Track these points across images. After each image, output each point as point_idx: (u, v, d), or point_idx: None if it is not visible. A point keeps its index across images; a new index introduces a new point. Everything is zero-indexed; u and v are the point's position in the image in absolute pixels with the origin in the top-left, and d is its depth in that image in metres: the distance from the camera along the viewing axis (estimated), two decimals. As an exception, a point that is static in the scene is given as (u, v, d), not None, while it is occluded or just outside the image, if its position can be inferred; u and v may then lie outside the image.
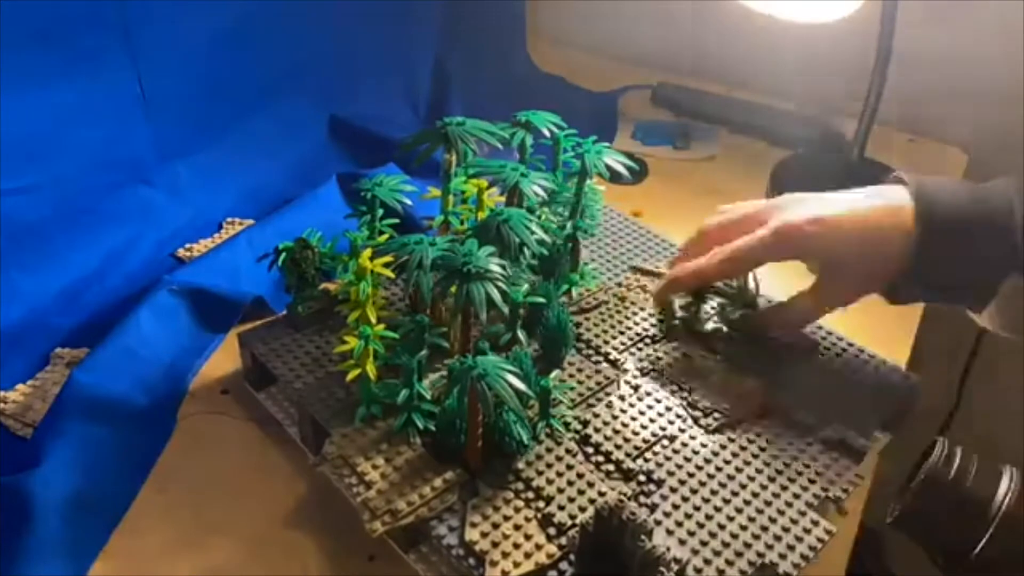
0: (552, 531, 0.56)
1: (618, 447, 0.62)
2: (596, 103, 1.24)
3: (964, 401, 1.20)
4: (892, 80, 0.96)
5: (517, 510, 0.57)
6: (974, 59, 1.07)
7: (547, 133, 0.73)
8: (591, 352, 0.71)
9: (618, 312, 0.75)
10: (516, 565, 0.53)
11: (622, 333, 0.73)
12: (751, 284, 0.75)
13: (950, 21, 1.08)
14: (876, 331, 0.77)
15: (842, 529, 0.60)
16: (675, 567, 0.53)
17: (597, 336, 0.72)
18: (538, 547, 0.54)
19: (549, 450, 0.61)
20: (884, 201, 0.66)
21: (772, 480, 0.61)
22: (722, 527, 0.57)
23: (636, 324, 0.74)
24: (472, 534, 0.55)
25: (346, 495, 0.58)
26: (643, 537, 0.51)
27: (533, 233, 0.64)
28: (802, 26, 0.95)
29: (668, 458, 0.62)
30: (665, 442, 0.63)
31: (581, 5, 1.36)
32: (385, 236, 0.72)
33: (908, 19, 0.94)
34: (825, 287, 0.69)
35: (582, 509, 0.57)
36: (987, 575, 0.57)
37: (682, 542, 0.56)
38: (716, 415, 0.65)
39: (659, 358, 0.70)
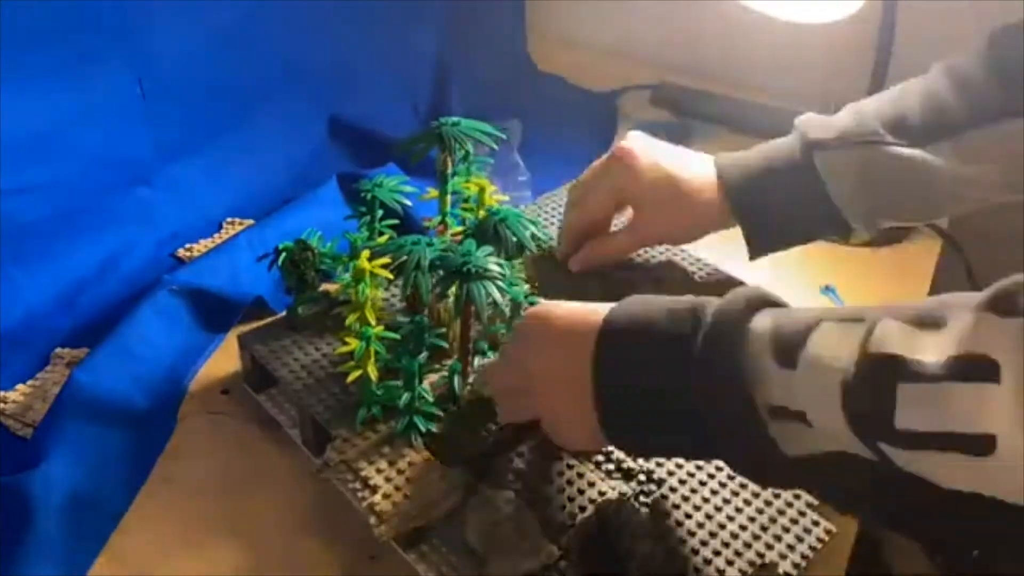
0: (552, 531, 0.55)
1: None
2: (596, 103, 1.24)
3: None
4: (892, 80, 0.96)
5: (518, 510, 0.57)
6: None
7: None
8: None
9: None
10: (516, 565, 0.53)
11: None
12: None
13: (950, 21, 1.08)
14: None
15: (842, 529, 0.60)
16: (675, 567, 0.53)
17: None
18: (539, 547, 0.54)
19: (550, 450, 0.61)
20: (700, 166, 0.75)
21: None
22: (722, 527, 0.57)
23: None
24: (473, 534, 0.55)
25: (351, 500, 0.58)
26: (643, 539, 0.51)
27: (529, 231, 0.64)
28: (802, 26, 0.95)
29: (668, 458, 0.61)
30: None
31: (581, 5, 1.36)
32: (385, 237, 0.72)
33: (908, 19, 0.94)
34: (636, 220, 0.76)
35: (582, 509, 0.57)
36: (987, 575, 0.57)
37: (683, 542, 0.56)
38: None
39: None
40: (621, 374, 0.52)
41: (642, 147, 0.74)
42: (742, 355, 0.47)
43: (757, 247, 0.75)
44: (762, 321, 0.48)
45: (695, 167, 0.74)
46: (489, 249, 0.61)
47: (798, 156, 0.71)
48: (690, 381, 0.48)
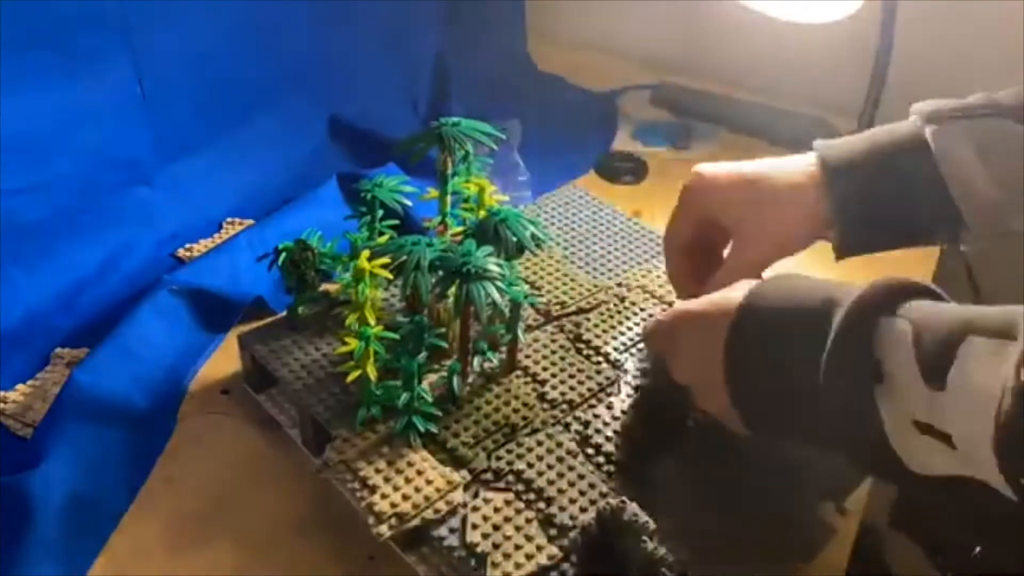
0: (553, 532, 0.56)
1: (619, 447, 0.62)
2: (596, 103, 1.24)
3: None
4: (892, 80, 0.96)
5: (518, 511, 0.57)
6: (974, 59, 1.07)
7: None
8: (591, 352, 0.71)
9: (618, 312, 0.75)
10: (517, 566, 0.53)
11: (622, 334, 0.73)
12: None
13: (950, 21, 1.08)
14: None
15: (842, 529, 0.60)
16: (676, 568, 0.53)
17: (597, 337, 0.72)
18: (539, 548, 0.55)
19: (550, 451, 0.61)
20: (790, 162, 0.66)
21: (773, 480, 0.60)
22: (723, 526, 0.57)
23: (636, 324, 0.74)
24: (473, 535, 0.55)
25: (350, 500, 0.58)
26: (644, 538, 0.51)
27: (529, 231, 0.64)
28: (802, 26, 0.95)
29: (669, 458, 0.61)
30: (666, 442, 0.63)
31: (581, 5, 1.36)
32: (385, 237, 0.72)
33: (908, 19, 0.94)
34: (736, 247, 0.67)
35: (583, 510, 0.57)
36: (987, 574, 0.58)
37: (683, 542, 0.55)
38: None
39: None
40: (751, 365, 0.53)
41: (716, 165, 0.67)
42: (872, 357, 0.46)
43: (846, 241, 0.65)
44: (901, 324, 0.46)
45: (786, 164, 0.65)
46: (489, 249, 0.61)
47: (908, 132, 0.62)
48: (818, 379, 0.48)
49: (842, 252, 0.65)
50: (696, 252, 0.69)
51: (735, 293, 0.55)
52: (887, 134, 0.63)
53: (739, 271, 0.63)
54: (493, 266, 0.60)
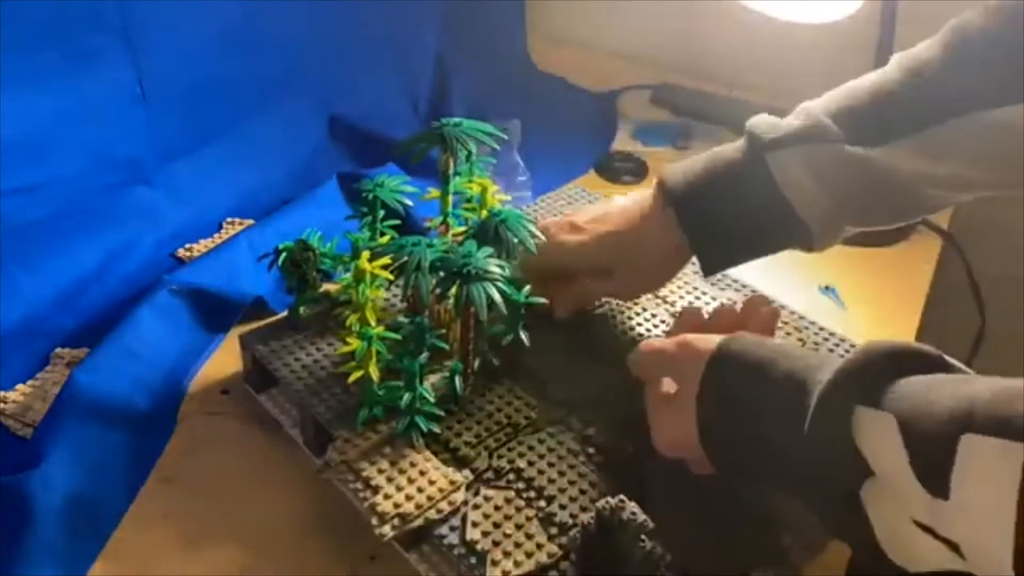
0: (553, 530, 0.56)
1: (619, 447, 0.62)
2: (596, 103, 1.24)
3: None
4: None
5: (518, 509, 0.57)
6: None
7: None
8: (593, 353, 0.70)
9: (620, 313, 0.75)
10: (517, 564, 0.53)
11: (624, 334, 0.73)
12: None
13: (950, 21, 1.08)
14: (876, 330, 0.78)
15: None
16: (675, 567, 0.53)
17: (600, 337, 0.72)
18: (539, 546, 0.54)
19: (551, 450, 0.61)
20: (636, 204, 0.69)
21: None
22: (723, 527, 0.57)
23: (639, 324, 0.74)
24: (473, 533, 0.55)
25: (352, 500, 0.58)
26: (643, 537, 0.51)
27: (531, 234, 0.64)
28: (802, 26, 0.95)
29: (669, 459, 0.61)
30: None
31: (581, 5, 1.36)
32: (387, 237, 0.72)
33: (908, 19, 0.94)
34: (617, 281, 0.71)
35: (583, 509, 0.57)
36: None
37: (683, 542, 0.55)
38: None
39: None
40: (724, 415, 0.53)
41: (564, 222, 0.71)
42: (858, 453, 0.44)
43: (710, 261, 0.68)
44: (884, 419, 0.43)
45: (624, 200, 0.71)
46: (489, 250, 0.61)
47: (746, 157, 0.66)
48: (795, 454, 0.47)
49: (708, 271, 0.69)
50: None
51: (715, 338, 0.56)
52: (722, 159, 0.67)
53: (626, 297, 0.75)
54: (494, 267, 0.60)
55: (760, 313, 0.65)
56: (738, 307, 0.68)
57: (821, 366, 0.48)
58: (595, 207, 0.73)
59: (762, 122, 0.66)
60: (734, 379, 0.53)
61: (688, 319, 0.68)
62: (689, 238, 0.66)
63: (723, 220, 0.66)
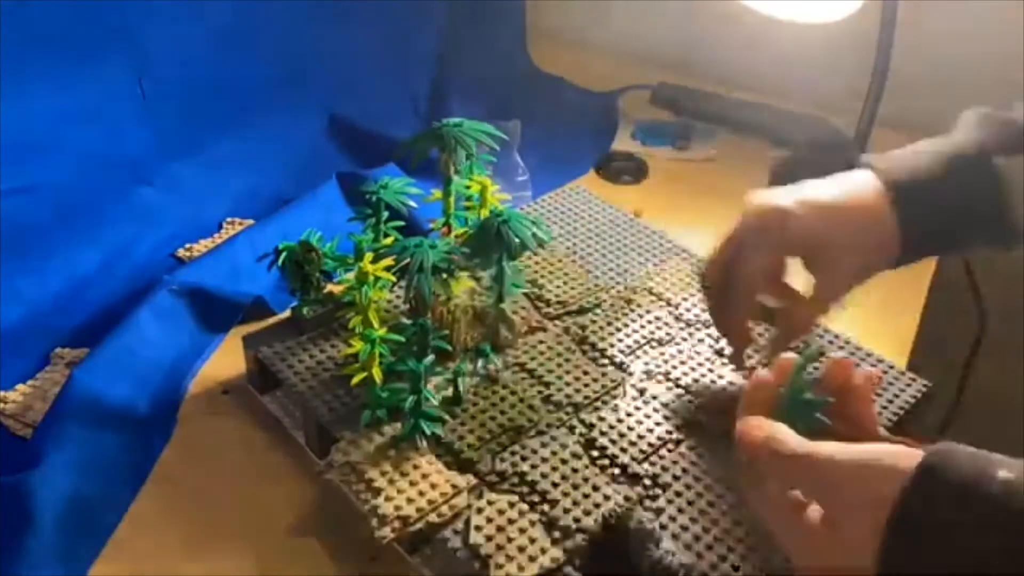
0: (557, 534, 0.55)
1: (623, 450, 0.62)
2: (596, 103, 1.24)
3: (964, 400, 1.21)
4: (892, 80, 0.96)
5: (522, 513, 0.57)
6: (974, 59, 1.07)
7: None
8: (596, 355, 0.70)
9: (624, 315, 0.75)
10: (520, 568, 0.53)
11: (627, 336, 0.73)
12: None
13: (950, 21, 1.08)
14: (876, 330, 0.78)
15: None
16: (681, 573, 0.53)
17: (602, 339, 0.72)
18: (543, 551, 0.54)
19: (554, 453, 0.61)
20: (855, 184, 0.64)
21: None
22: (727, 531, 0.57)
23: (642, 327, 0.74)
24: (477, 537, 0.55)
25: (354, 502, 0.57)
26: (650, 545, 0.50)
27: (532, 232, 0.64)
28: (802, 26, 0.95)
29: (674, 462, 0.62)
30: (671, 446, 0.63)
31: (581, 4, 1.36)
32: (390, 239, 0.72)
33: (908, 19, 0.94)
34: (821, 281, 0.64)
35: (587, 513, 0.57)
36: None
37: (687, 547, 0.55)
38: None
39: (665, 361, 0.70)
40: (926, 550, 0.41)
41: (785, 196, 0.63)
42: None
43: (908, 257, 0.64)
44: None
45: (853, 188, 0.63)
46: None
47: (972, 157, 0.62)
48: None
49: (897, 265, 0.64)
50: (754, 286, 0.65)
51: (898, 450, 0.44)
52: (947, 157, 0.63)
53: (824, 303, 0.64)
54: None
55: (854, 384, 0.52)
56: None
57: None
58: (805, 185, 0.65)
59: (986, 117, 0.64)
60: (941, 505, 0.42)
61: (761, 394, 0.52)
62: (903, 233, 0.62)
63: (938, 219, 0.62)
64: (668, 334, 0.73)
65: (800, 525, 0.46)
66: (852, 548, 0.43)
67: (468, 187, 0.73)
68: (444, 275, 0.60)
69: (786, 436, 0.46)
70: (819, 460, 0.44)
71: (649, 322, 0.74)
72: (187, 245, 0.90)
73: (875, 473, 0.43)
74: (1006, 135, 0.62)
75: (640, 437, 0.63)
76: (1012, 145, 0.61)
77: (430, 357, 0.62)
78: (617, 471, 0.60)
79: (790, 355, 0.52)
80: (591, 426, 0.64)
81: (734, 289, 0.64)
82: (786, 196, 0.63)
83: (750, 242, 0.63)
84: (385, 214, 0.72)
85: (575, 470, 0.60)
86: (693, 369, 0.70)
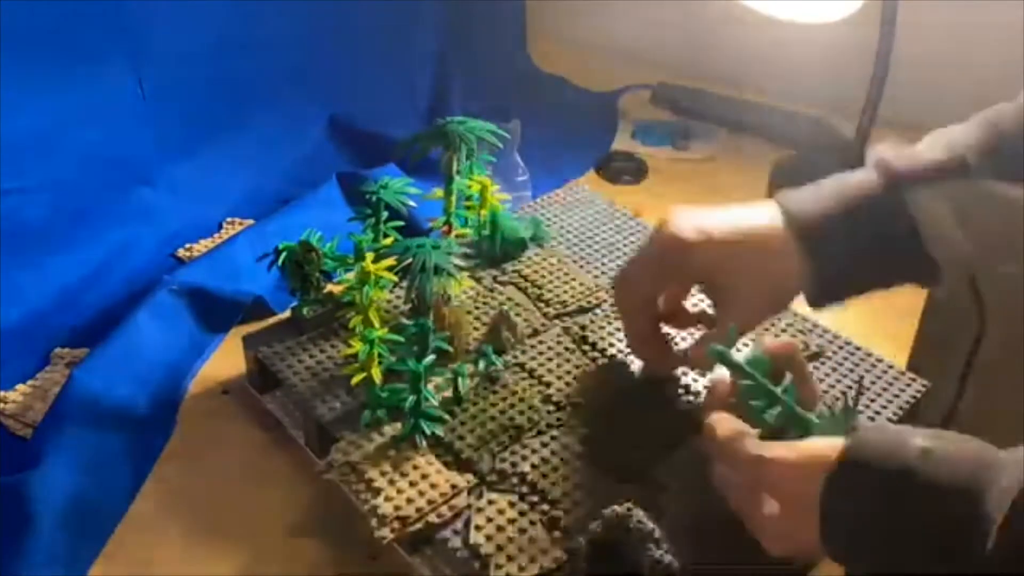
0: (557, 535, 0.55)
1: (624, 451, 0.62)
2: (596, 103, 1.24)
3: (963, 400, 1.20)
4: (892, 80, 0.96)
5: (522, 513, 0.57)
6: (974, 59, 1.07)
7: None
8: (596, 355, 0.70)
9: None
10: (521, 569, 0.53)
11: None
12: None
13: (950, 21, 1.08)
14: (876, 330, 0.78)
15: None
16: (681, 573, 0.53)
17: (602, 339, 0.72)
18: (543, 551, 0.54)
19: (555, 453, 0.61)
20: (763, 214, 0.62)
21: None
22: (727, 531, 0.57)
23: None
24: (477, 537, 0.55)
25: (354, 502, 0.57)
26: (650, 545, 0.50)
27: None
28: (802, 26, 0.95)
29: (675, 462, 0.61)
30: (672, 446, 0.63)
31: (581, 5, 1.36)
32: (390, 239, 0.72)
33: (908, 19, 0.94)
34: (723, 312, 0.64)
35: (587, 513, 0.56)
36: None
37: (687, 547, 0.55)
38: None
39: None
40: (857, 541, 0.47)
41: (687, 221, 0.62)
42: None
43: (823, 295, 0.62)
44: None
45: (756, 222, 0.62)
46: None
47: (883, 190, 0.60)
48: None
49: (817, 304, 0.63)
50: (654, 308, 0.67)
51: (826, 443, 0.50)
52: (856, 191, 0.61)
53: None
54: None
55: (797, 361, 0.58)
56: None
57: (991, 466, 0.44)
58: (709, 211, 0.64)
59: (896, 152, 0.61)
60: (864, 499, 0.47)
61: (722, 391, 0.58)
62: (813, 268, 0.61)
63: (850, 256, 0.61)
64: (668, 334, 0.73)
65: (760, 513, 0.51)
66: (802, 533, 0.49)
67: (469, 186, 0.73)
68: (446, 275, 0.60)
69: (742, 439, 0.52)
70: (766, 460, 0.50)
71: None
72: (187, 245, 0.90)
73: (809, 468, 0.49)
74: (919, 167, 0.60)
75: (640, 437, 0.63)
76: (925, 177, 0.60)
77: (430, 357, 0.62)
78: (617, 471, 0.60)
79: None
80: (591, 425, 0.63)
81: (638, 311, 0.66)
82: (689, 225, 0.62)
83: (651, 269, 0.65)
84: (385, 214, 0.72)
85: (576, 470, 0.60)
86: (693, 368, 0.70)
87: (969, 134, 0.61)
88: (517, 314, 0.71)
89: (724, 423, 0.54)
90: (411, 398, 0.60)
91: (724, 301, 0.64)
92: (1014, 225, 0.59)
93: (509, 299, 0.75)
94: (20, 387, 0.73)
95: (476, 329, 0.70)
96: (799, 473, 0.50)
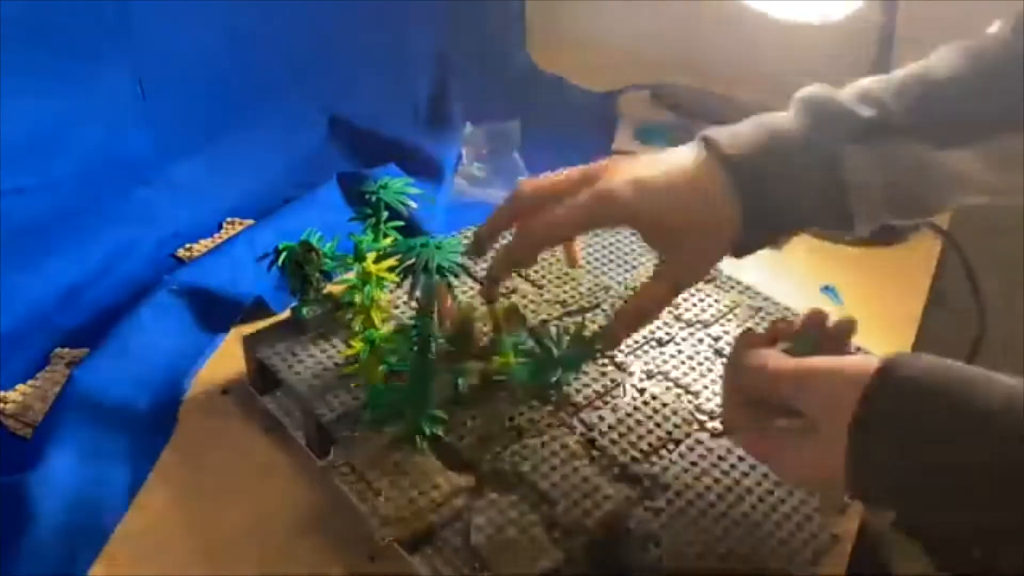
0: (557, 534, 0.55)
1: (624, 451, 0.62)
2: (596, 103, 1.24)
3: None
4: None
5: (522, 513, 0.57)
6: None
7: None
8: (596, 355, 0.70)
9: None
10: (521, 569, 0.53)
11: (628, 336, 0.72)
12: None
13: (950, 21, 1.08)
14: (876, 330, 0.78)
15: (842, 529, 0.60)
16: (681, 573, 0.53)
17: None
18: (543, 551, 0.54)
19: (554, 453, 0.61)
20: (692, 155, 0.59)
21: (779, 484, 0.60)
22: (728, 531, 0.57)
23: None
24: (477, 537, 0.55)
25: (354, 501, 0.57)
26: (650, 545, 0.50)
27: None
28: (802, 26, 0.95)
29: (674, 462, 0.61)
30: (671, 446, 0.63)
31: (581, 5, 1.36)
32: (390, 239, 0.72)
33: (908, 19, 0.94)
34: (669, 262, 0.61)
35: (587, 513, 0.57)
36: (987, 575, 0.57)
37: (687, 547, 0.55)
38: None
39: (665, 361, 0.70)
40: (896, 445, 0.45)
41: (618, 168, 0.60)
42: None
43: (752, 239, 0.60)
44: None
45: (683, 160, 0.60)
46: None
47: (812, 138, 0.59)
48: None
49: (744, 251, 0.61)
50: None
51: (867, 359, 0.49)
52: (783, 134, 0.60)
53: (672, 283, 0.60)
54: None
55: (829, 327, 0.58)
56: (797, 322, 0.59)
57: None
58: (638, 159, 0.61)
59: (825, 102, 0.61)
60: (910, 404, 0.45)
61: (752, 340, 0.57)
62: (743, 207, 0.58)
63: (777, 196, 0.58)
64: (668, 334, 0.73)
65: (782, 444, 0.51)
66: (827, 451, 0.47)
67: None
68: (450, 275, 0.60)
69: (779, 356, 0.52)
70: (802, 369, 0.50)
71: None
72: (187, 245, 0.90)
73: (846, 375, 0.48)
74: (849, 123, 0.59)
75: (640, 437, 0.63)
76: (853, 133, 0.59)
77: (431, 357, 0.62)
78: (617, 471, 0.60)
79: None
80: (591, 426, 0.64)
81: (526, 235, 0.62)
82: (622, 180, 0.59)
83: (578, 217, 0.60)
84: (385, 214, 0.72)
85: (575, 470, 0.60)
86: (693, 369, 0.70)
87: (891, 89, 0.61)
88: (524, 306, 0.71)
89: (764, 351, 0.53)
90: (412, 398, 0.60)
91: (667, 249, 0.61)
92: (925, 184, 0.60)
93: (514, 291, 0.75)
94: (20, 387, 0.72)
95: (484, 324, 0.70)
96: (839, 376, 0.48)
